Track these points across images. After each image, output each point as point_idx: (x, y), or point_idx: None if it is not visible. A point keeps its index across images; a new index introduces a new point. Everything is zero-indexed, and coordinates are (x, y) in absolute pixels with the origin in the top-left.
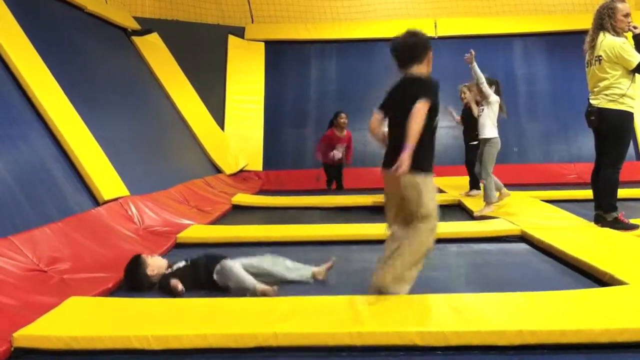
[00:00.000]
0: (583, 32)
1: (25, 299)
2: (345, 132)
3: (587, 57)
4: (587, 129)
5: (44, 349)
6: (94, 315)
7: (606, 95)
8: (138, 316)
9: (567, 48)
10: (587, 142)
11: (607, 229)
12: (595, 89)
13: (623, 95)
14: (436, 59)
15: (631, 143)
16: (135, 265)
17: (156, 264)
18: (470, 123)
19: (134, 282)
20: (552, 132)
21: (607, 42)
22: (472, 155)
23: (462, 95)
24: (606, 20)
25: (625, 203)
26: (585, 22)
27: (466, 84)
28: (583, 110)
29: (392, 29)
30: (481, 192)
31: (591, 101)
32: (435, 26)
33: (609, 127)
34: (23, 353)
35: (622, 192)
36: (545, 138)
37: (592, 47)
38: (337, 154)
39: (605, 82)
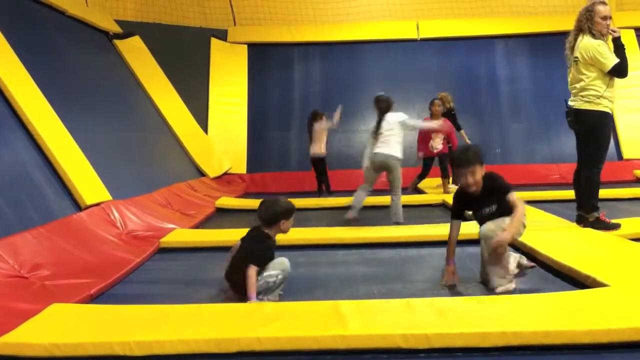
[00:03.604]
0: (565, 33)
1: (6, 306)
2: (441, 121)
3: (567, 59)
4: (570, 129)
5: (25, 357)
6: (76, 322)
7: (582, 96)
8: (120, 322)
9: (549, 49)
10: (570, 143)
11: (589, 230)
12: (574, 90)
13: (600, 97)
14: (418, 60)
15: (612, 143)
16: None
17: None
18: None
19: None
20: (535, 132)
21: (583, 43)
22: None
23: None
24: (584, 22)
25: (607, 203)
26: (566, 24)
27: (442, 93)
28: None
29: (375, 31)
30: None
31: (569, 102)
32: (418, 28)
33: (586, 128)
34: None
35: (604, 192)
36: (528, 139)
37: (572, 48)
38: (436, 144)
39: (582, 84)
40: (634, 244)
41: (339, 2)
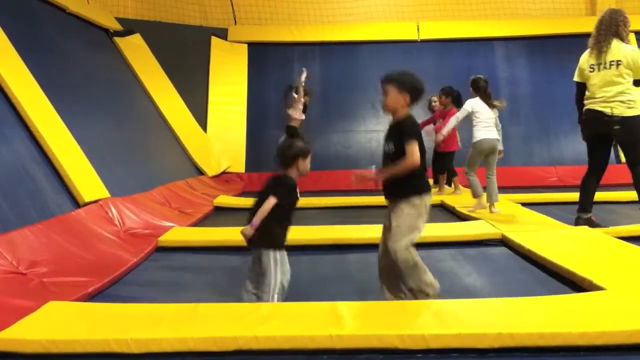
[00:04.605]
0: (565, 36)
1: (3, 302)
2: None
3: (592, 60)
4: (569, 132)
5: (21, 353)
6: (73, 319)
7: (622, 102)
8: (117, 320)
9: (548, 52)
10: (568, 146)
11: (586, 232)
12: (607, 94)
13: (635, 101)
14: (418, 62)
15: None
16: None
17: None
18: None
19: None
20: (533, 135)
21: (626, 49)
22: (439, 159)
23: (433, 104)
24: (622, 27)
25: (607, 206)
26: (566, 26)
27: (436, 94)
28: (564, 113)
29: (375, 32)
30: (450, 188)
31: (610, 110)
32: (418, 29)
33: (634, 132)
34: (0, 357)
35: (603, 195)
36: (526, 141)
37: (603, 51)
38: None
39: (619, 88)
40: (632, 247)
41: (339, 3)
